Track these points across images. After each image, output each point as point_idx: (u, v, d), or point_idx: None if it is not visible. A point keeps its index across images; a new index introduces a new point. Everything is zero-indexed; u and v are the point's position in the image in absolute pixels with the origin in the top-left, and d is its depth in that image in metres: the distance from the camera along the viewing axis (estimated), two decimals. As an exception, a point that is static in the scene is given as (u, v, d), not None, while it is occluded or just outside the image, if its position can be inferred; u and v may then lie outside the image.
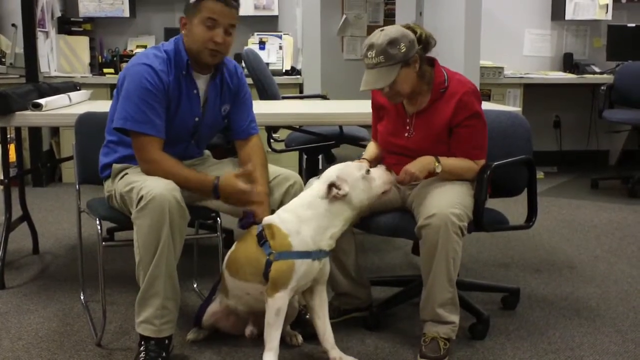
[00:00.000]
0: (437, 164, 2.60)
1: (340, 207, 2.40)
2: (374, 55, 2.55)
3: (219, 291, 2.67)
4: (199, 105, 2.70)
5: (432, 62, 2.71)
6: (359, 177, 2.41)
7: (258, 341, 2.52)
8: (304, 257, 2.36)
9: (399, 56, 2.54)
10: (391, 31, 2.58)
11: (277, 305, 2.35)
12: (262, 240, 2.41)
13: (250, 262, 2.43)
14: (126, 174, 2.64)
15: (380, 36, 2.56)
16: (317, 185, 2.43)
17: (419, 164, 2.60)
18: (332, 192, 2.37)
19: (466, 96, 2.63)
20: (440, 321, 2.55)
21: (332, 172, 2.43)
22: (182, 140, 2.73)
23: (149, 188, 2.39)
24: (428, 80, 2.68)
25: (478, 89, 2.73)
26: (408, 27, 2.64)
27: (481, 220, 2.64)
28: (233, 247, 2.56)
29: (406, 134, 2.74)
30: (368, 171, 2.45)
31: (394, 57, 2.54)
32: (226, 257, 2.57)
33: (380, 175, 2.48)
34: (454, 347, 2.59)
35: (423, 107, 2.70)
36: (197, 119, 2.70)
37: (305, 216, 2.39)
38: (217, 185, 2.57)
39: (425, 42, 2.64)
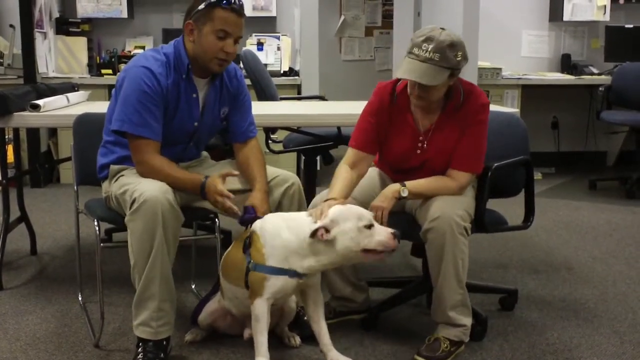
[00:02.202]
0: (402, 188, 2.55)
1: (322, 247, 2.28)
2: (429, 49, 2.42)
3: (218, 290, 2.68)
4: (198, 109, 2.69)
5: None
6: (353, 226, 2.26)
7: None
8: (277, 274, 2.32)
9: (452, 62, 2.45)
10: (453, 34, 2.47)
11: (255, 312, 2.36)
12: (246, 246, 2.41)
13: (236, 266, 2.44)
14: (122, 175, 2.64)
15: (442, 34, 2.45)
16: (309, 219, 2.34)
17: (382, 195, 2.55)
18: (319, 233, 2.26)
19: (482, 107, 2.61)
20: (451, 324, 2.56)
21: (333, 212, 2.30)
22: (181, 143, 2.73)
23: (142, 191, 2.39)
24: (448, 94, 2.60)
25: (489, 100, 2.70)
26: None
27: (483, 221, 2.65)
28: (229, 248, 2.57)
29: (418, 151, 2.68)
30: (371, 225, 2.30)
31: (449, 61, 2.44)
32: (222, 258, 2.58)
33: (381, 238, 2.29)
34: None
35: (436, 123, 2.63)
36: (196, 123, 2.70)
37: (286, 237, 2.32)
38: (204, 184, 2.56)
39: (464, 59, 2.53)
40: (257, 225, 2.42)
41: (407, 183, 2.58)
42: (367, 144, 2.69)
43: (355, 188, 2.67)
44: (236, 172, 2.67)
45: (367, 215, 2.32)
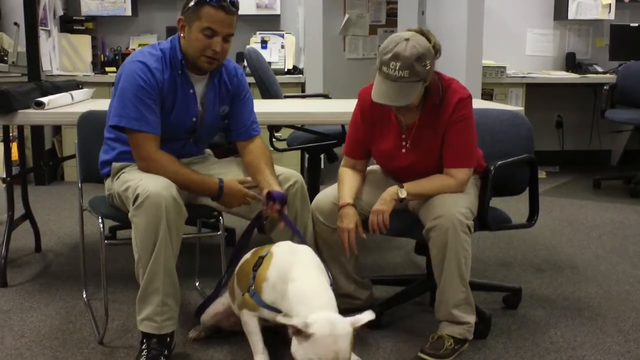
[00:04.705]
0: (400, 190, 2.57)
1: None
2: (397, 67, 2.40)
3: (222, 291, 2.67)
4: (195, 105, 2.69)
5: None
6: (310, 353, 2.04)
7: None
8: (269, 309, 2.30)
9: (422, 73, 2.44)
10: (418, 44, 2.43)
11: (244, 319, 2.40)
12: (257, 265, 2.39)
13: (246, 278, 2.44)
14: (123, 172, 2.64)
15: (407, 48, 2.41)
16: (315, 283, 2.24)
17: (382, 199, 2.57)
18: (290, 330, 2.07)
19: (459, 102, 2.58)
20: (455, 322, 2.56)
21: (316, 321, 2.07)
22: (180, 139, 2.73)
23: (145, 186, 2.40)
24: (426, 91, 2.59)
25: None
26: (421, 32, 2.51)
27: (486, 219, 2.65)
28: (248, 255, 2.56)
29: (403, 150, 2.69)
30: None
31: (418, 74, 2.43)
32: (239, 265, 2.58)
33: None
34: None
35: (418, 120, 2.63)
36: (194, 119, 2.70)
37: (287, 288, 2.23)
38: (222, 188, 2.57)
39: (435, 52, 2.51)
40: (278, 248, 2.40)
41: (405, 184, 2.60)
42: (359, 152, 2.80)
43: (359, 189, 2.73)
44: (249, 178, 2.67)
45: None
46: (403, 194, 2.57)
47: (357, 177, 2.76)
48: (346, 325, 2.10)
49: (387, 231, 2.59)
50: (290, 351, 2.09)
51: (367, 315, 2.14)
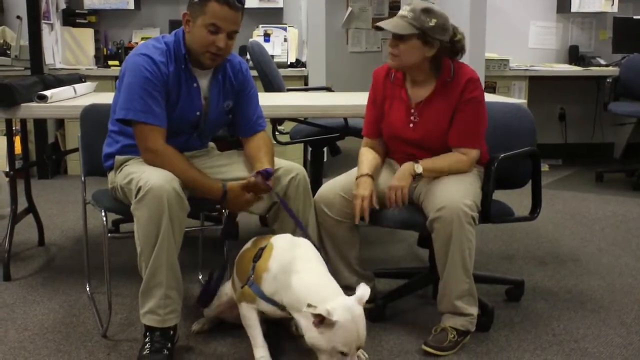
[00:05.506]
0: (416, 165, 2.62)
1: (304, 320, 2.17)
2: (407, 9, 2.62)
3: (224, 284, 2.68)
4: (199, 99, 2.68)
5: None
6: (334, 341, 2.08)
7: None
8: (267, 301, 2.32)
9: (423, 24, 2.59)
10: (437, 8, 2.67)
11: (242, 312, 2.40)
12: (256, 256, 2.40)
13: (244, 270, 2.44)
14: (127, 165, 2.64)
15: (425, 3, 2.66)
16: (322, 279, 2.27)
17: (399, 174, 2.63)
18: (315, 319, 2.10)
19: (468, 83, 2.66)
20: (457, 313, 2.57)
21: (337, 312, 2.09)
22: (184, 133, 2.72)
23: (147, 179, 2.39)
24: (437, 70, 2.70)
25: (482, 80, 2.75)
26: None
27: (489, 211, 2.65)
28: (248, 245, 2.56)
29: (410, 125, 2.74)
30: (346, 355, 2.11)
31: (420, 22, 2.59)
32: (239, 255, 2.58)
33: None
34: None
35: (427, 97, 2.71)
36: (198, 113, 2.69)
37: (291, 281, 2.24)
38: (226, 194, 2.55)
39: (454, 45, 2.69)
40: (277, 241, 2.41)
41: (421, 161, 2.65)
42: (375, 131, 2.89)
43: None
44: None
45: (352, 346, 2.12)
46: (419, 169, 2.62)
47: (376, 156, 2.83)
48: (359, 306, 2.14)
49: (404, 208, 2.63)
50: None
51: (363, 289, 2.18)
